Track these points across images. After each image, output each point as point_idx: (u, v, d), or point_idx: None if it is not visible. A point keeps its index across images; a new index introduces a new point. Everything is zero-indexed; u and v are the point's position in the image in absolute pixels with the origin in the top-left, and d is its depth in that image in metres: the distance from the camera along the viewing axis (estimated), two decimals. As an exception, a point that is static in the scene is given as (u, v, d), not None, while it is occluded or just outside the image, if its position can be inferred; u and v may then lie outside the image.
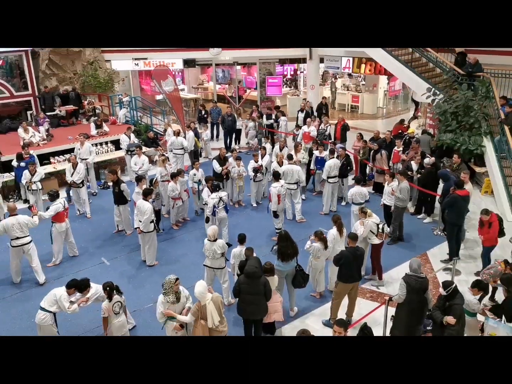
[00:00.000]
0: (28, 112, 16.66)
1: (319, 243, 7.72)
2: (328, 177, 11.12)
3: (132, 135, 14.05)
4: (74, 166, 11.43)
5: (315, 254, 7.80)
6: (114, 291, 6.58)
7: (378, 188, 11.86)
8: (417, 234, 10.32)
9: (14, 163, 12.05)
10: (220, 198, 9.45)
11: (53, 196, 9.26)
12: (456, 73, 13.23)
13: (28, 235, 8.60)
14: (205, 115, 17.08)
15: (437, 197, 10.34)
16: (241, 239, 7.68)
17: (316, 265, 7.94)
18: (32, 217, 8.65)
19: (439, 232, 10.16)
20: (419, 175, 10.73)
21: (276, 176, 10.17)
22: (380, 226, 8.20)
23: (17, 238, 8.47)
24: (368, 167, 12.83)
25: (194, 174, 11.02)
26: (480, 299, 6.55)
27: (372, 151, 12.09)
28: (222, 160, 11.60)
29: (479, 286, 6.53)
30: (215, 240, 7.64)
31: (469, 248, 9.60)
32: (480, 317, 6.68)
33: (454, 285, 6.12)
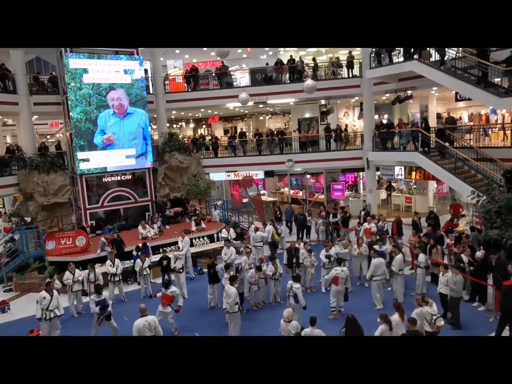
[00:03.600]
0: (146, 213, 17.81)
1: (385, 324, 7.18)
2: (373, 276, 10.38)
3: (232, 230, 14.61)
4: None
5: (382, 334, 7.18)
6: None
7: (434, 278, 11.08)
8: (474, 321, 9.33)
9: (134, 253, 12.70)
10: (291, 287, 9.12)
11: (167, 284, 9.30)
12: (496, 178, 12.68)
13: (155, 335, 7.75)
14: (279, 215, 17.26)
15: (488, 287, 9.51)
16: (312, 321, 7.27)
17: None
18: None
19: (494, 319, 9.13)
20: (471, 267, 10.02)
21: (339, 261, 9.92)
22: (434, 317, 7.56)
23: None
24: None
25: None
26: None
27: (429, 245, 11.47)
28: (292, 251, 11.45)
29: None
30: (289, 321, 7.38)
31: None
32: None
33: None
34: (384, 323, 7.19)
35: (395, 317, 7.42)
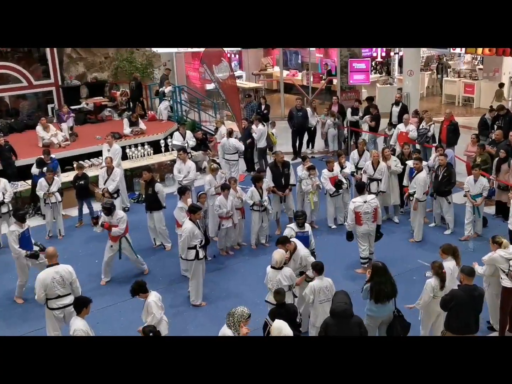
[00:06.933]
0: (49, 106, 17.46)
1: (435, 277, 7.34)
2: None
3: (189, 133, 14.52)
4: (110, 171, 11.88)
5: (430, 292, 7.32)
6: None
7: (501, 210, 11.46)
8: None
9: (34, 171, 12.32)
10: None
11: (110, 210, 9.74)
12: None
13: (70, 293, 7.72)
14: (266, 111, 17.18)
15: None
16: (320, 269, 7.39)
17: (430, 307, 7.51)
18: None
19: None
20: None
21: (360, 188, 10.02)
22: (511, 263, 7.68)
23: (58, 297, 7.65)
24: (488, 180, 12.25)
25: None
26: None
27: (496, 159, 11.65)
28: (279, 167, 11.48)
29: None
30: (280, 268, 7.50)
31: None
32: None
33: None
34: (435, 275, 7.32)
35: (449, 265, 7.59)
